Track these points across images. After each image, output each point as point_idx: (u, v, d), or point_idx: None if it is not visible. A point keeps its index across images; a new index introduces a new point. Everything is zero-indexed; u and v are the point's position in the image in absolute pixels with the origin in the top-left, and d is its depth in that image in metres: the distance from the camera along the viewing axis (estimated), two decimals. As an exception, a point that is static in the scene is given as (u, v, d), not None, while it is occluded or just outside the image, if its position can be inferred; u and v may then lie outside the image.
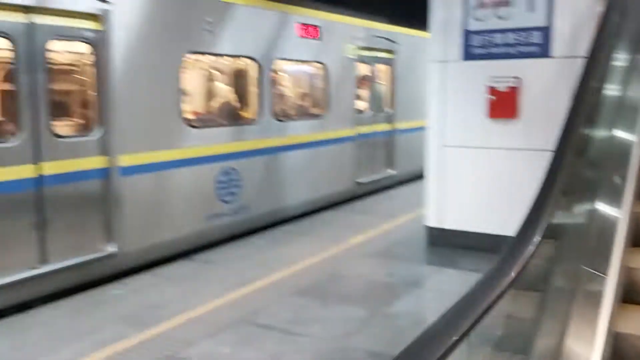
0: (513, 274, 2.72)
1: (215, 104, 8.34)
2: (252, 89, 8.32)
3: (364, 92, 11.21)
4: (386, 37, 11.28)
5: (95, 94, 6.15)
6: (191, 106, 7.81)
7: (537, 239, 3.02)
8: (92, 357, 4.45)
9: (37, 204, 5.58)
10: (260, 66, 8.13)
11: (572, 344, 2.90)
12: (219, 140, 7.61)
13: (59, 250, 5.77)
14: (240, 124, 8.19)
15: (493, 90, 6.49)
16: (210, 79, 8.35)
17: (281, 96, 9.12)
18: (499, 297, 2.57)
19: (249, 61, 8.21)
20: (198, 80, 8.22)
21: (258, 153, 8.23)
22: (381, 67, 11.59)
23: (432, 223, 7.28)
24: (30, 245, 5.57)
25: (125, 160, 6.31)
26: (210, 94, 8.40)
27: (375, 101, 11.31)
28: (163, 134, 6.80)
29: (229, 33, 7.64)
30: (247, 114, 8.39)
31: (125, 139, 6.29)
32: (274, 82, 8.60)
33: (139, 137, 6.48)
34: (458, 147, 6.91)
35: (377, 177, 11.32)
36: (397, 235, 8.04)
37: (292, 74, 9.77)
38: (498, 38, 6.44)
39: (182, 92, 7.21)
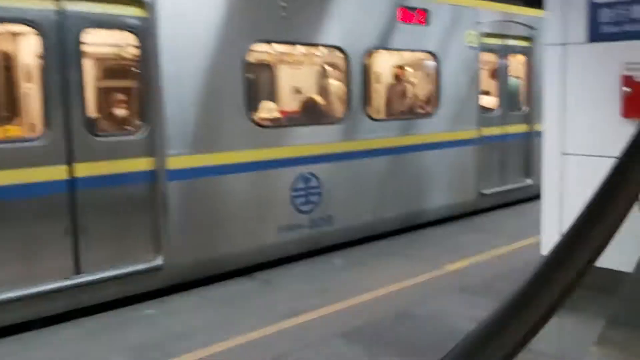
0: None
1: (294, 100, 7.42)
2: (339, 83, 7.26)
3: (493, 87, 9.60)
4: (521, 21, 9.53)
5: (140, 88, 5.54)
6: (263, 102, 6.98)
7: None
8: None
9: (70, 208, 5.09)
10: (347, 56, 7.03)
11: None
12: (295, 142, 6.66)
13: (95, 261, 5.24)
14: (324, 123, 7.18)
15: (629, 81, 4.76)
16: (287, 71, 7.45)
17: (376, 91, 7.93)
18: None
19: (335, 51, 7.16)
20: (271, 73, 7.36)
21: (345, 157, 7.15)
22: (516, 58, 9.85)
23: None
24: (63, 253, 5.09)
25: (175, 162, 5.62)
26: (286, 89, 7.50)
27: (508, 98, 9.62)
28: (223, 133, 6.01)
29: (309, 19, 6.66)
30: (332, 111, 7.36)
31: (175, 139, 5.60)
32: (366, 75, 7.44)
33: (192, 137, 5.75)
34: (582, 156, 5.24)
35: (508, 188, 9.62)
36: (507, 265, 6.47)
37: (392, 66, 8.52)
38: (637, 11, 4.69)
39: (251, 87, 6.39)
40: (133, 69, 5.56)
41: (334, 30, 6.89)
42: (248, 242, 6.28)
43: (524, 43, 9.70)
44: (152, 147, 5.50)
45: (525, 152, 9.88)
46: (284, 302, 5.40)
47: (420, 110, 8.64)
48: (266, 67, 8.42)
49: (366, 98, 7.34)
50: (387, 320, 4.94)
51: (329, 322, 4.93)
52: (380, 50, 7.75)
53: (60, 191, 5.04)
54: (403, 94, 8.91)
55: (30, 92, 5.77)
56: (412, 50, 8.24)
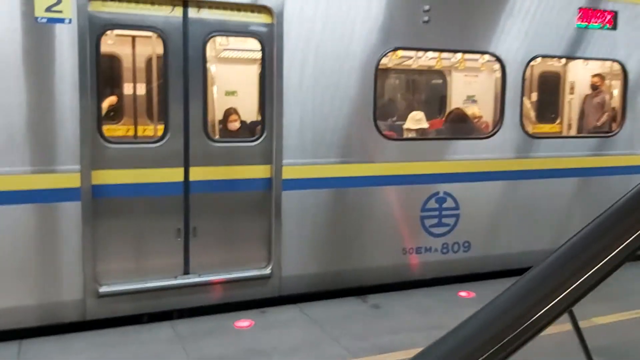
0: None
1: (437, 111, 6.80)
2: (492, 94, 6.48)
3: None
4: None
5: (261, 94, 5.49)
6: (393, 114, 6.50)
7: None
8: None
9: (184, 210, 5.24)
10: (504, 65, 6.22)
11: None
12: (430, 157, 6.09)
13: (204, 263, 5.34)
14: (467, 138, 6.46)
15: None
16: (427, 81, 6.84)
17: (540, 104, 6.92)
18: None
19: (490, 59, 6.39)
20: (405, 82, 6.81)
21: (489, 176, 6.36)
22: None
23: None
24: (174, 253, 5.27)
25: (291, 172, 5.48)
26: (425, 99, 6.89)
27: None
28: (345, 144, 5.69)
29: (456, 23, 6.02)
30: (480, 125, 6.59)
31: (293, 148, 5.45)
32: (526, 86, 6.51)
33: (311, 147, 5.54)
34: None
35: None
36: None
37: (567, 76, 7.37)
38: None
39: (383, 97, 5.98)
40: (256, 73, 5.53)
41: (487, 35, 6.15)
42: (366, 260, 5.90)
43: None
44: (269, 155, 5.42)
45: None
46: (388, 333, 4.94)
47: (600, 127, 7.39)
48: (409, 75, 7.91)
49: (522, 112, 6.44)
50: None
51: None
52: (548, 58, 6.75)
53: (175, 193, 5.21)
54: (601, 106, 7.74)
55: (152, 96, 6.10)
56: (594, 59, 7.05)
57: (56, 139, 4.73)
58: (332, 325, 5.13)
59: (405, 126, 7.28)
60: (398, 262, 6.04)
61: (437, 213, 6.16)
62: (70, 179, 4.80)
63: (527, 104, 8.87)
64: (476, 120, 7.28)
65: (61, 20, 4.63)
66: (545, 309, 1.05)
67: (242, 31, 5.38)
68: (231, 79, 7.61)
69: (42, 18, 4.58)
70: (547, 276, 1.08)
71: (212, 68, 8.04)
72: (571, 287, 1.04)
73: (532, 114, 8.91)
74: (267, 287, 5.54)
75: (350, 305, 5.60)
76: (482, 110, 7.61)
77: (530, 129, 6.72)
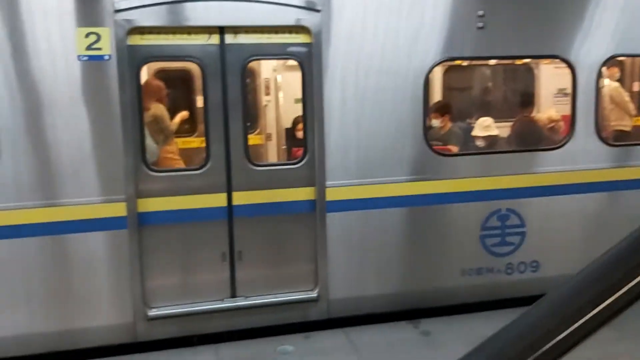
0: None
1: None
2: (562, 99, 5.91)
3: None
4: None
5: (302, 115, 5.39)
6: (480, 119, 6.10)
7: None
8: None
9: (229, 234, 5.29)
10: (574, 69, 5.63)
11: None
12: (489, 171, 5.68)
13: (250, 286, 5.37)
14: (533, 149, 5.95)
15: None
16: (485, 88, 6.35)
17: (618, 110, 6.21)
18: None
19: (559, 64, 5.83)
20: (461, 93, 6.36)
21: (561, 190, 5.81)
22: None
23: None
24: (220, 277, 5.34)
25: (335, 193, 5.35)
26: (483, 110, 6.41)
27: None
28: (393, 163, 5.45)
29: (517, 26, 5.53)
30: (549, 133, 6.04)
31: (336, 169, 5.31)
32: (601, 90, 5.86)
33: (355, 167, 5.37)
34: None
35: None
36: None
37: None
38: None
39: (433, 111, 5.66)
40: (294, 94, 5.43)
41: (553, 37, 5.60)
42: (419, 282, 5.64)
43: None
44: (312, 177, 5.32)
45: None
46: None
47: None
48: (466, 82, 7.40)
49: (598, 118, 5.82)
50: None
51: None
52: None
53: (219, 218, 5.26)
54: None
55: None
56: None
57: (104, 170, 4.93)
58: (376, 354, 4.96)
59: (473, 133, 6.87)
60: (455, 283, 5.72)
61: (499, 232, 5.75)
62: (117, 208, 5.00)
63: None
64: (552, 124, 6.69)
65: (101, 57, 4.81)
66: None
67: (280, 53, 5.32)
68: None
69: (83, 56, 4.78)
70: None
71: (278, 77, 8.07)
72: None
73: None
74: (314, 310, 5.46)
75: (399, 331, 5.39)
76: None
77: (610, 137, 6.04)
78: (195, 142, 8.02)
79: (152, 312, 5.17)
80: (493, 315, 5.59)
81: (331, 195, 5.34)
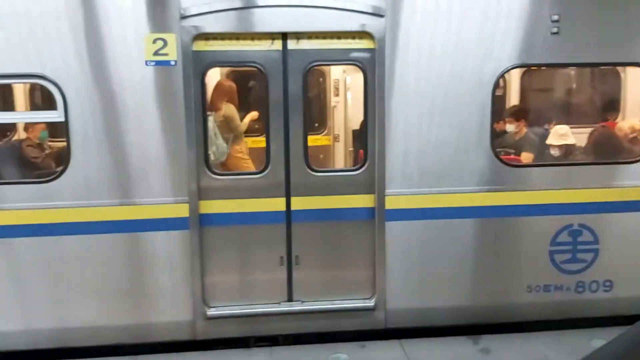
0: None
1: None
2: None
3: None
4: None
5: (363, 122, 5.31)
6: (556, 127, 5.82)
7: None
8: None
9: (287, 238, 5.32)
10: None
11: None
12: (560, 184, 5.39)
13: (306, 291, 5.38)
14: (610, 162, 5.58)
15: None
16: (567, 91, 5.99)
17: None
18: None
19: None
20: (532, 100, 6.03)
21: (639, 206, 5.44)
22: None
23: None
24: (278, 281, 5.38)
25: (394, 202, 5.25)
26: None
27: None
28: (455, 173, 5.27)
29: (594, 31, 5.20)
30: (631, 145, 5.64)
31: (396, 177, 5.21)
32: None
33: (416, 175, 5.23)
34: None
35: None
36: None
37: None
38: None
39: (508, 115, 5.42)
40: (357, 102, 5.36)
41: (634, 42, 5.22)
42: (481, 297, 5.44)
43: None
44: (371, 184, 5.25)
45: None
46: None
47: None
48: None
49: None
50: None
51: None
52: None
53: (278, 222, 5.29)
54: None
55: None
56: None
57: (169, 172, 5.07)
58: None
59: (547, 141, 6.54)
60: (520, 300, 5.47)
61: (570, 248, 5.46)
62: (180, 209, 5.14)
63: None
64: (634, 134, 6.26)
65: (167, 63, 4.94)
66: None
67: (343, 59, 5.26)
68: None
69: (150, 62, 4.93)
70: None
71: (347, 79, 8.02)
72: None
73: None
74: (371, 319, 5.40)
75: (457, 346, 5.23)
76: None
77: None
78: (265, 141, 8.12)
79: (211, 312, 5.28)
80: (556, 335, 5.33)
81: (391, 203, 5.24)
